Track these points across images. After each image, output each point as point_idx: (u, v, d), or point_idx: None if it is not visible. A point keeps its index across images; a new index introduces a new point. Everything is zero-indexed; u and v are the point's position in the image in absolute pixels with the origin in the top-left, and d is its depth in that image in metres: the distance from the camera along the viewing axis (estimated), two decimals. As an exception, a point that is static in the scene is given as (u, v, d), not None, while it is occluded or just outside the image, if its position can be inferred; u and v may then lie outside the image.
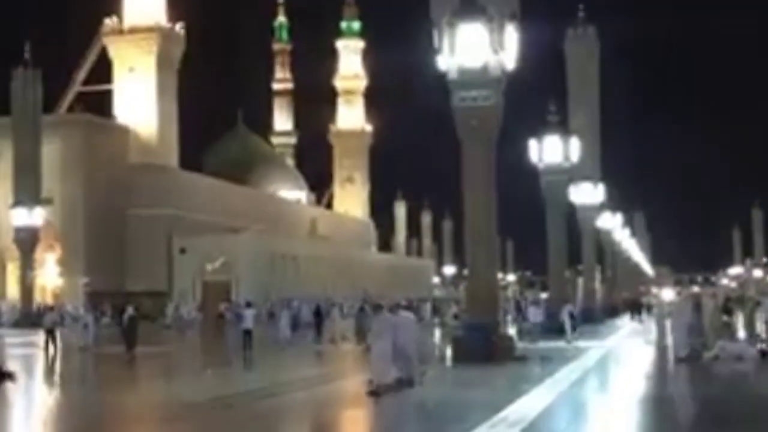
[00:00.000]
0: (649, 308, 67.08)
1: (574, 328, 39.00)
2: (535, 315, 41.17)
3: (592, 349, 33.65)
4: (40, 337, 38.11)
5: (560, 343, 35.53)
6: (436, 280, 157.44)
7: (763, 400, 20.23)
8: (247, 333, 33.34)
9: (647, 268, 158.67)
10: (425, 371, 21.43)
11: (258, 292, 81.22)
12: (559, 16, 64.20)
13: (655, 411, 18.74)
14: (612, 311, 69.62)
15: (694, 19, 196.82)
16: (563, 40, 63.31)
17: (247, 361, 31.04)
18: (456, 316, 46.02)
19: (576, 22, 63.47)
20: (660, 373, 26.06)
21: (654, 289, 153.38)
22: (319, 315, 43.72)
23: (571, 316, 39.30)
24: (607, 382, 24.94)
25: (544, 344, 34.81)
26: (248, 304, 37.28)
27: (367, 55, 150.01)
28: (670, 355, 29.41)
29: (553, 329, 39.21)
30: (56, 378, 28.49)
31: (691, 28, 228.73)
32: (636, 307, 66.76)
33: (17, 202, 72.81)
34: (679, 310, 29.82)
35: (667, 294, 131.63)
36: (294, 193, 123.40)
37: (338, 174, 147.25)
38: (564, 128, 48.72)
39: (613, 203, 71.90)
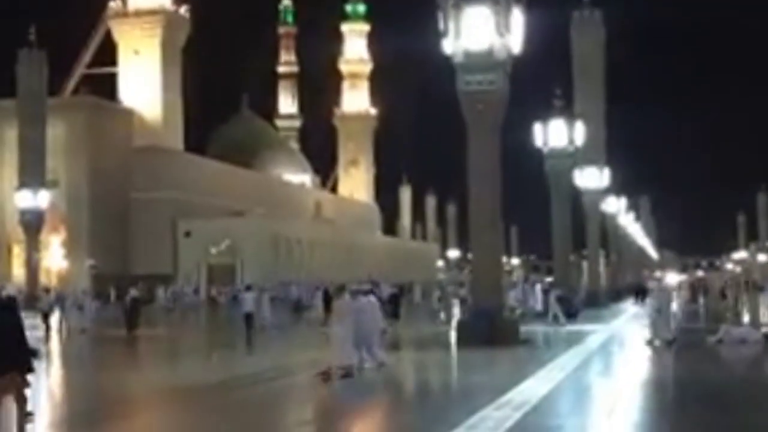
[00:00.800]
0: (645, 293, 67.18)
1: (570, 314, 38.90)
2: (534, 299, 41.06)
3: (595, 332, 33.74)
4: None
5: (556, 327, 35.54)
6: (440, 263, 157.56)
7: (766, 384, 20.28)
8: (248, 316, 33.31)
9: (652, 252, 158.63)
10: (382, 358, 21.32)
11: (262, 275, 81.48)
12: (565, 0, 64.01)
13: (657, 394, 18.82)
14: (616, 295, 69.69)
15: (701, 2, 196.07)
16: (569, 23, 63.11)
17: (249, 344, 31.10)
18: (463, 300, 45.89)
19: (582, 6, 63.24)
20: (662, 357, 26.11)
21: (658, 273, 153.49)
22: (327, 298, 43.65)
23: (560, 299, 38.94)
24: (610, 365, 25.01)
25: (539, 328, 34.88)
26: (248, 287, 37.05)
27: (373, 38, 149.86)
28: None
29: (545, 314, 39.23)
30: (43, 361, 28.39)
31: (698, 12, 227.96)
32: (640, 291, 66.79)
33: (22, 185, 72.91)
34: (661, 293, 30.04)
35: (672, 278, 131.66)
36: (298, 176, 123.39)
37: (343, 157, 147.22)
38: (569, 112, 48.73)
39: (617, 186, 71.84)
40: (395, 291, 42.74)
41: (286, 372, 22.49)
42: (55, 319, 37.72)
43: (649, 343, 28.06)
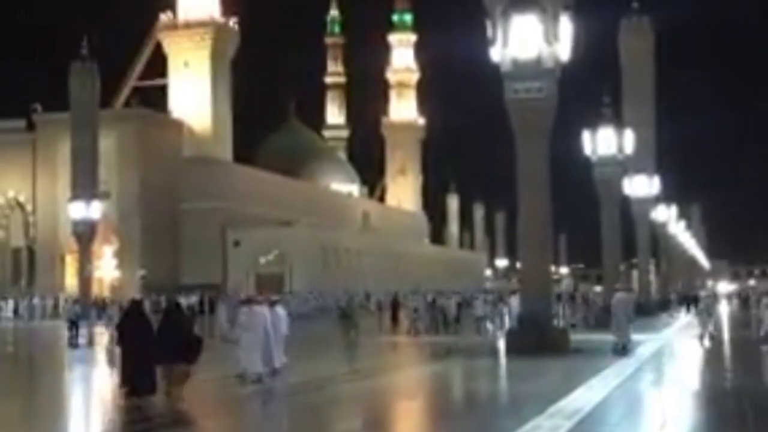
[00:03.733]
0: (696, 302, 66.34)
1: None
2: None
3: (646, 342, 33.39)
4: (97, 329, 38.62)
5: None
6: (488, 272, 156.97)
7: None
8: None
9: (703, 261, 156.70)
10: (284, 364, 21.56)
11: (311, 284, 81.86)
12: (613, 7, 63.65)
13: (710, 405, 18.60)
14: (667, 304, 68.93)
15: (754, 6, 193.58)
16: (617, 30, 62.73)
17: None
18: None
19: (630, 12, 62.83)
20: (713, 366, 25.81)
21: (709, 283, 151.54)
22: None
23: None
24: (662, 375, 24.75)
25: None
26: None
27: (419, 48, 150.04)
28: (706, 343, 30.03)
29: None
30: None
31: (750, 16, 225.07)
32: (691, 301, 66.01)
33: (75, 196, 73.86)
34: (618, 302, 30.14)
35: (723, 287, 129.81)
36: (346, 185, 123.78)
37: (390, 167, 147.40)
38: (618, 120, 48.37)
39: (667, 195, 71.14)
40: (459, 301, 43.27)
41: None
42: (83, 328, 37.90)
43: (699, 338, 30.78)
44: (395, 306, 45.46)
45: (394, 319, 43.56)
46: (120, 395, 17.67)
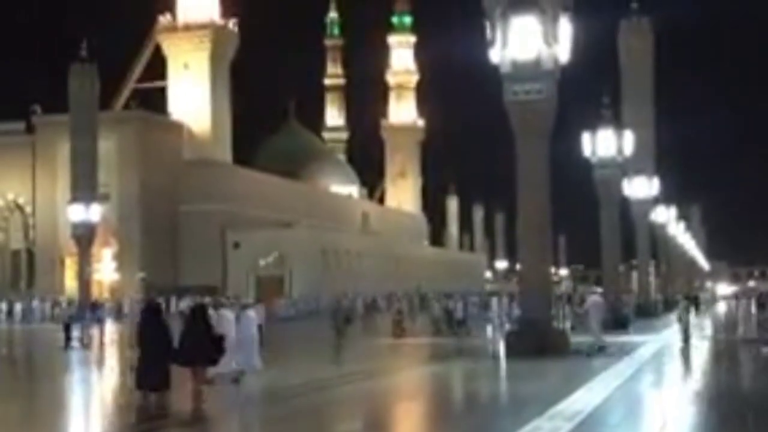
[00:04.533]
0: (698, 303, 66.27)
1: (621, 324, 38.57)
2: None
3: (646, 343, 33.42)
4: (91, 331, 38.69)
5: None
6: (488, 274, 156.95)
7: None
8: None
9: (703, 262, 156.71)
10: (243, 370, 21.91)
11: (311, 287, 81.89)
12: (612, 8, 63.60)
13: (710, 406, 18.57)
14: (666, 305, 68.90)
15: (754, 6, 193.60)
16: (617, 31, 62.70)
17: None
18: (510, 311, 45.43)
19: (629, 13, 62.79)
20: (713, 368, 25.80)
21: (708, 284, 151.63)
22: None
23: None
24: (662, 376, 24.74)
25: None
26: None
27: (419, 50, 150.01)
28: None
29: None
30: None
31: (749, 17, 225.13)
32: (691, 301, 65.97)
33: (74, 199, 73.82)
34: (591, 305, 30.34)
35: (722, 289, 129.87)
36: (346, 187, 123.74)
37: (390, 169, 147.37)
38: (617, 121, 48.32)
39: (666, 196, 71.10)
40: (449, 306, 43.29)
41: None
42: (75, 330, 37.95)
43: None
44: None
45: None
46: (130, 392, 18.33)
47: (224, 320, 21.46)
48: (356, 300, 64.41)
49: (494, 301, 42.68)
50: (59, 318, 41.33)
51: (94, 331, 39.63)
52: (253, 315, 23.38)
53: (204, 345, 17.84)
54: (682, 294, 70.44)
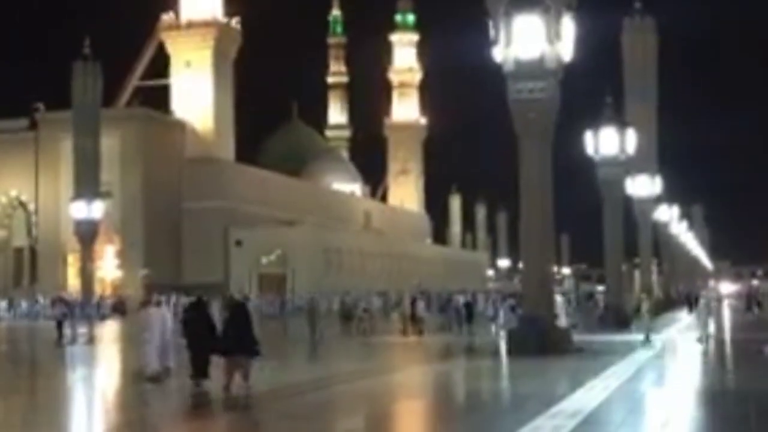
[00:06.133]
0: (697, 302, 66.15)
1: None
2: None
3: (648, 341, 33.32)
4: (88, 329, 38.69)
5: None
6: (490, 272, 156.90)
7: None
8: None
9: (705, 261, 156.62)
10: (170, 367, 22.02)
11: (313, 284, 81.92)
12: (615, 6, 63.62)
13: (711, 405, 18.56)
14: (669, 304, 68.89)
15: (757, 5, 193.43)
16: (620, 30, 62.67)
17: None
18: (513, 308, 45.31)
19: (633, 12, 62.75)
20: (713, 367, 25.77)
21: (711, 283, 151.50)
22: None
23: (512, 310, 35.20)
24: (663, 375, 24.72)
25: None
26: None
27: (422, 48, 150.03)
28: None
29: None
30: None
31: (753, 16, 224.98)
32: (693, 301, 65.94)
33: (77, 196, 73.85)
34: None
35: (725, 287, 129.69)
36: (348, 185, 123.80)
37: (392, 167, 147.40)
38: (620, 120, 48.24)
39: (669, 195, 71.05)
40: (468, 300, 43.31)
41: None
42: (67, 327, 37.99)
43: (699, 340, 31.34)
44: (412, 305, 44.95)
45: (413, 318, 43.35)
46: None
47: (151, 317, 21.70)
48: (360, 298, 64.24)
49: (480, 299, 43.04)
50: (51, 316, 41.75)
51: (83, 329, 39.66)
52: (168, 314, 23.25)
53: (246, 338, 18.85)
54: (700, 293, 70.53)
